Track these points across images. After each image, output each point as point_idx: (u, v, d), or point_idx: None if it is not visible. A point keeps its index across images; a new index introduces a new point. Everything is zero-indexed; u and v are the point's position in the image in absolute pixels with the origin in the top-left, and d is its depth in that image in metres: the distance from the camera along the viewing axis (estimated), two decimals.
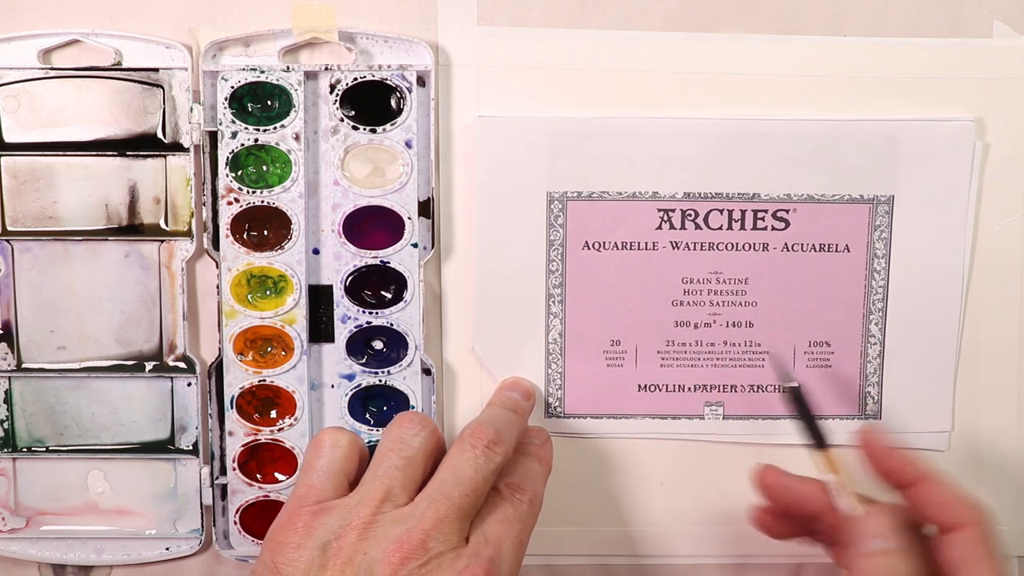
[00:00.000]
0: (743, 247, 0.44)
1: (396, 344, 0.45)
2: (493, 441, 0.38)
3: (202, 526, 0.46)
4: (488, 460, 0.38)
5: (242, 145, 0.43)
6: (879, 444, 0.40)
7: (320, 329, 0.45)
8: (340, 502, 0.37)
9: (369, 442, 0.45)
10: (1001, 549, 0.37)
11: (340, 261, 0.44)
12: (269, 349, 0.45)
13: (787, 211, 0.44)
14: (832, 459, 0.40)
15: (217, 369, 0.45)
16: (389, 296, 0.45)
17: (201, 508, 0.46)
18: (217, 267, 0.44)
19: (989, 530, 0.37)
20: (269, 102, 0.43)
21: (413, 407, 0.45)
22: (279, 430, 0.45)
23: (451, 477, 0.37)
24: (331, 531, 0.36)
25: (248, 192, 0.43)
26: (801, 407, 0.42)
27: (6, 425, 0.45)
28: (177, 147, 0.44)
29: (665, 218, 0.44)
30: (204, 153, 0.44)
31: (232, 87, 0.43)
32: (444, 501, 0.36)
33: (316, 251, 0.45)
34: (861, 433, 0.40)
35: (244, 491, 0.45)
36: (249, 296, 0.44)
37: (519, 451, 0.41)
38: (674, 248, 0.44)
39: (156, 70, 0.43)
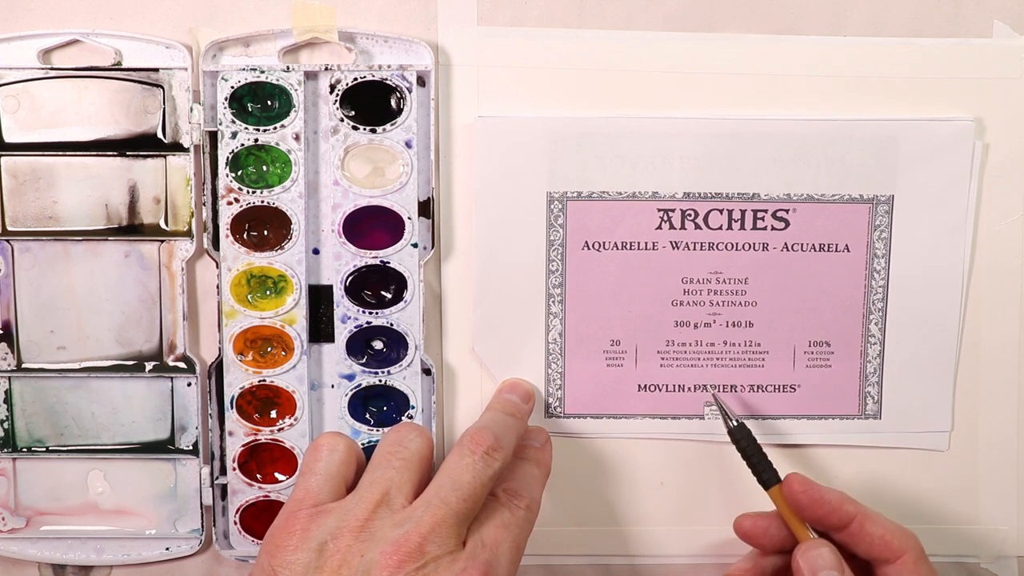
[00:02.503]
0: (743, 247, 0.44)
1: (396, 344, 0.45)
2: (492, 447, 0.38)
3: (202, 526, 0.46)
4: (487, 466, 0.38)
5: (242, 145, 0.43)
6: (805, 495, 0.41)
7: (320, 329, 0.45)
8: (337, 504, 0.37)
9: (369, 442, 0.45)
10: (933, 570, 0.40)
11: (340, 261, 0.44)
12: (269, 349, 0.45)
13: (787, 211, 0.44)
14: (780, 497, 0.41)
15: (217, 369, 0.45)
16: (389, 296, 0.45)
17: (201, 508, 0.46)
18: (217, 267, 0.44)
19: (922, 554, 0.40)
20: (269, 102, 0.43)
21: (413, 407, 0.45)
22: (279, 430, 0.45)
23: (449, 482, 0.37)
24: (327, 532, 0.36)
25: (248, 192, 0.43)
26: (749, 444, 0.43)
27: (6, 425, 0.45)
28: (177, 147, 0.44)
29: (665, 218, 0.44)
30: (204, 153, 0.44)
31: (232, 87, 0.43)
32: (442, 506, 0.36)
33: (316, 251, 0.45)
34: (785, 484, 0.41)
35: (244, 491, 0.45)
36: (249, 296, 0.44)
37: (518, 455, 0.41)
38: (674, 248, 0.44)
39: (156, 70, 0.43)
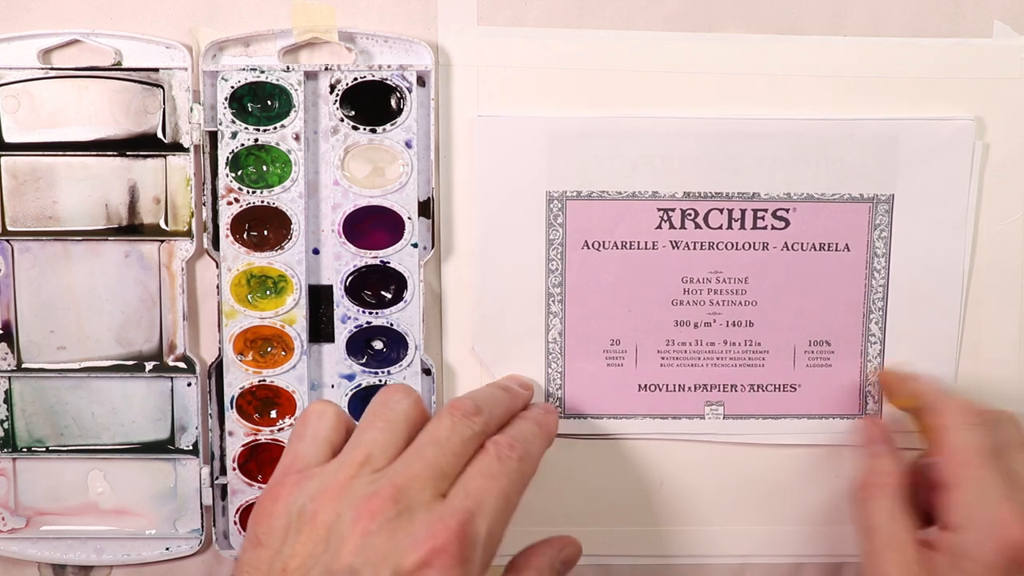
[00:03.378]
0: (743, 247, 0.44)
1: (396, 344, 0.45)
2: (471, 411, 0.38)
3: (202, 526, 0.46)
4: (466, 426, 0.37)
5: (242, 145, 0.43)
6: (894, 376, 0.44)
7: (320, 329, 0.45)
8: (321, 468, 0.37)
9: None
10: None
11: (340, 261, 0.44)
12: (269, 349, 0.45)
13: (787, 210, 0.44)
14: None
15: (217, 369, 0.45)
16: (389, 296, 0.45)
17: (201, 508, 0.46)
18: (217, 267, 0.44)
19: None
20: (269, 102, 0.43)
21: None
22: (279, 430, 0.45)
23: (428, 439, 0.37)
24: (308, 496, 0.36)
25: (248, 192, 0.43)
26: None
27: (6, 425, 0.45)
28: (177, 147, 0.44)
29: (665, 218, 0.44)
30: (204, 153, 0.44)
31: (232, 87, 0.43)
32: (418, 459, 0.36)
33: (316, 251, 0.45)
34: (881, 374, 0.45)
35: (244, 491, 0.45)
36: (249, 296, 0.44)
37: (518, 416, 0.41)
38: (674, 248, 0.44)
39: (156, 70, 0.43)
